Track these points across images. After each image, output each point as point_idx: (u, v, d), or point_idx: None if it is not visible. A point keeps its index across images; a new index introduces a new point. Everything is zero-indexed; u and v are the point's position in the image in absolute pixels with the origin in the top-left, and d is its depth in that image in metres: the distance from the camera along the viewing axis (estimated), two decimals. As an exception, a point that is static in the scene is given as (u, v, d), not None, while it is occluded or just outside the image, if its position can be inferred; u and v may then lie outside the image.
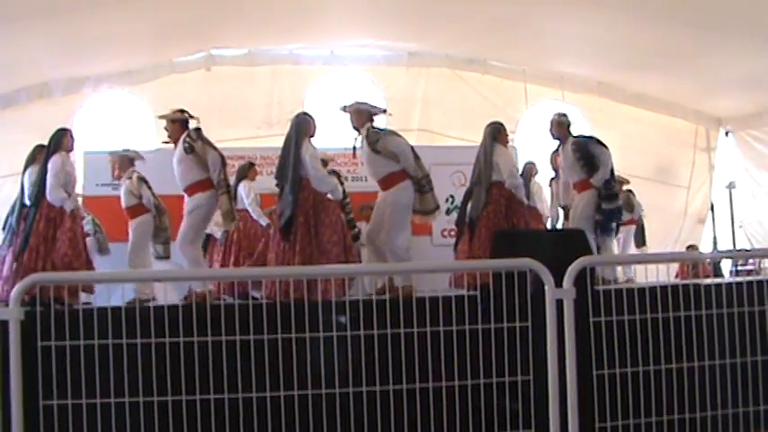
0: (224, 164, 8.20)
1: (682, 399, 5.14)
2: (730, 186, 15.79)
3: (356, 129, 8.35)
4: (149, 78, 14.82)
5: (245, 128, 14.61)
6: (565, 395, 4.25)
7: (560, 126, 9.36)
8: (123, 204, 9.71)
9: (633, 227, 13.43)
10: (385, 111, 8.78)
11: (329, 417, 4.68)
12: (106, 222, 10.96)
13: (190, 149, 8.04)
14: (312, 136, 8.28)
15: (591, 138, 9.45)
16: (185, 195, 8.18)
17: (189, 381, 4.71)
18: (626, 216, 12.97)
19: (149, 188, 9.71)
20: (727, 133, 17.53)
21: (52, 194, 8.31)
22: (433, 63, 16.25)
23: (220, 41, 14.80)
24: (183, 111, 8.33)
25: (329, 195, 8.16)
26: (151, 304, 6.35)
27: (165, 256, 9.79)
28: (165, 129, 8.32)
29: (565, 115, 9.54)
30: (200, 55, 15.10)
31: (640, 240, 13.65)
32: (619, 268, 12.18)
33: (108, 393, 4.59)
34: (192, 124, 8.31)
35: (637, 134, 16.43)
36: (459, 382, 4.74)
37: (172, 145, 8.24)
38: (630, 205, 13.20)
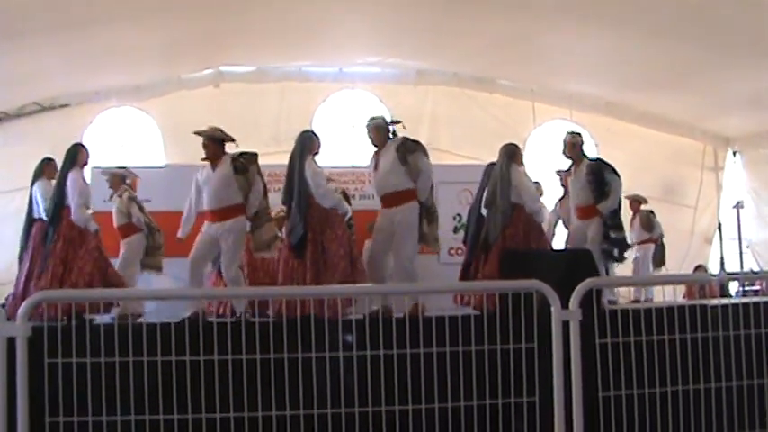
0: (266, 193, 8.36)
1: (688, 421, 5.12)
2: (738, 206, 15.75)
3: (375, 145, 8.46)
4: (158, 94, 14.86)
5: (253, 145, 14.43)
6: (570, 417, 4.24)
7: (573, 146, 9.30)
8: (114, 223, 9.70)
9: (652, 246, 13.30)
10: (400, 122, 8.87)
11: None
12: (114, 239, 10.98)
13: (242, 170, 8.11)
14: (316, 153, 8.41)
15: (606, 164, 9.34)
16: (212, 214, 8.15)
17: (195, 399, 4.71)
18: (644, 235, 13.16)
19: (140, 208, 9.71)
20: (734, 153, 17.51)
21: (77, 214, 8.32)
22: (441, 81, 16.26)
23: (229, 58, 14.83)
24: (220, 130, 8.36)
25: (337, 210, 8.21)
26: (144, 321, 6.38)
27: (157, 268, 9.90)
28: (204, 146, 8.24)
29: (578, 135, 9.50)
30: (208, 71, 15.13)
31: (660, 260, 13.48)
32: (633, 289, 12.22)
33: (114, 411, 4.60)
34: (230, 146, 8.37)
35: (644, 153, 16.39)
36: (464, 403, 4.74)
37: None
38: (650, 225, 13.25)
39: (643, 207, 13.49)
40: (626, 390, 4.81)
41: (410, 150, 8.23)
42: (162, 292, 7.50)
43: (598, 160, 9.45)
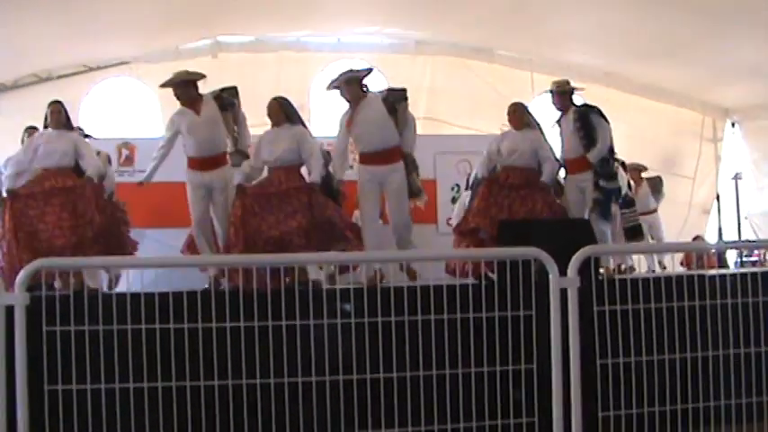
0: None
1: (685, 389, 5.15)
2: (736, 177, 15.76)
3: (349, 101, 8.10)
4: (155, 65, 14.81)
5: (252, 115, 14.52)
6: (568, 384, 4.25)
7: (562, 95, 8.80)
8: None
9: (659, 214, 12.85)
10: (371, 70, 8.59)
11: (333, 403, 4.69)
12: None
13: (230, 104, 8.06)
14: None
15: (593, 107, 8.79)
16: (203, 162, 7.89)
17: (194, 367, 4.72)
18: (653, 204, 12.68)
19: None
20: (733, 124, 17.50)
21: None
22: (440, 51, 16.24)
23: (227, 28, 14.78)
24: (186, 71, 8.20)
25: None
26: (156, 291, 6.36)
27: None
28: (176, 95, 7.99)
29: (566, 82, 8.97)
30: (206, 42, 15.08)
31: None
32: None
33: (113, 379, 4.61)
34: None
35: (643, 124, 16.37)
36: (462, 371, 4.75)
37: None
38: (659, 192, 12.89)
39: (645, 175, 13.09)
40: (623, 358, 4.83)
41: (398, 99, 8.03)
42: (167, 259, 7.32)
43: (585, 105, 8.86)
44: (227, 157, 8.01)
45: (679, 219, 16.74)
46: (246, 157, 8.16)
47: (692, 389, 5.14)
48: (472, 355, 4.76)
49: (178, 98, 7.97)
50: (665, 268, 11.21)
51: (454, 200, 11.89)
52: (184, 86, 7.92)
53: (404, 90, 8.20)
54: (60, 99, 8.61)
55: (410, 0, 13.58)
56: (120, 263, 7.07)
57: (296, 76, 15.29)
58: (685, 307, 4.97)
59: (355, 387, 4.74)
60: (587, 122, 8.56)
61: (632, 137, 15.50)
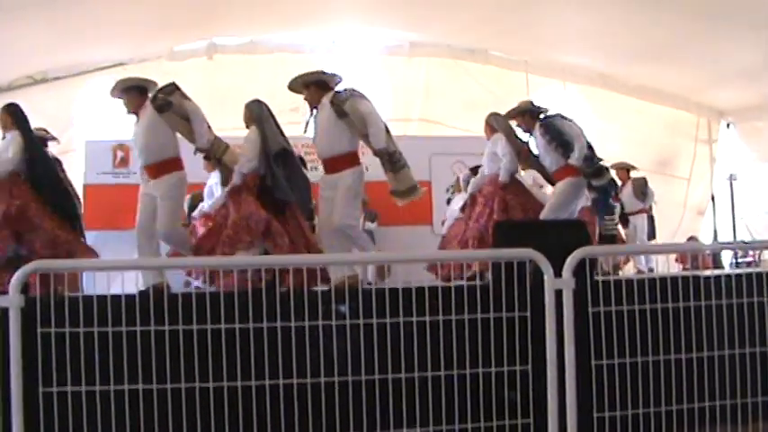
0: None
1: (680, 390, 5.15)
2: (731, 178, 15.78)
3: (314, 107, 7.70)
4: (150, 66, 14.79)
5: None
6: (563, 385, 4.25)
7: (523, 116, 8.83)
8: None
9: (645, 216, 12.86)
10: (340, 78, 7.88)
11: (328, 405, 4.69)
12: (107, 211, 10.92)
13: (166, 105, 7.34)
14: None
15: (555, 115, 8.77)
16: (147, 170, 7.48)
17: (188, 369, 4.72)
18: (637, 205, 12.72)
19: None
20: (728, 125, 17.54)
21: None
22: (435, 53, 16.28)
23: (222, 29, 14.78)
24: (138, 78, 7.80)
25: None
26: (150, 292, 6.34)
27: None
28: (125, 103, 7.58)
29: (528, 103, 9.03)
30: (201, 43, 15.08)
31: (650, 232, 13.05)
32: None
33: (107, 380, 4.60)
34: None
35: (638, 126, 16.44)
36: (457, 372, 4.75)
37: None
38: (644, 193, 12.78)
39: (634, 174, 13.07)
40: (619, 359, 4.83)
41: (343, 99, 7.39)
42: (161, 261, 7.28)
43: (546, 117, 8.76)
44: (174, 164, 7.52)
45: (674, 220, 16.79)
46: (207, 155, 8.09)
47: (687, 390, 5.14)
48: (467, 356, 4.76)
49: (126, 106, 7.65)
50: (651, 270, 11.20)
51: (449, 201, 11.92)
52: (127, 94, 7.59)
53: (350, 89, 7.60)
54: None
55: (405, 1, 13.59)
56: (115, 264, 7.06)
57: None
58: (680, 308, 4.98)
59: (350, 389, 4.74)
60: (555, 131, 8.52)
61: (627, 138, 15.58)
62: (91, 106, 14.86)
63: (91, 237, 10.58)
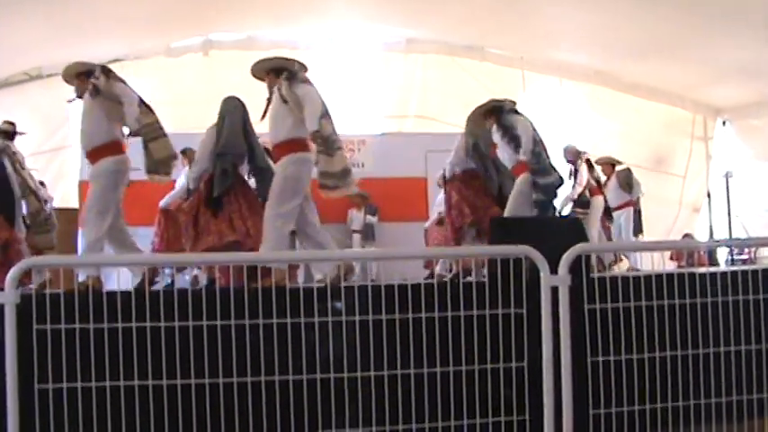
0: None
1: (676, 386, 5.16)
2: (727, 176, 15.80)
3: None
4: (146, 63, 14.79)
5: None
6: (559, 382, 4.26)
7: (487, 115, 8.80)
8: None
9: (631, 210, 12.41)
10: (305, 67, 7.70)
11: (324, 401, 4.69)
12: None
13: (97, 90, 7.18)
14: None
15: (506, 108, 8.70)
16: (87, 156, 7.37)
17: (184, 365, 4.71)
18: (624, 197, 12.36)
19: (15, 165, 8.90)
20: (724, 122, 17.56)
21: None
22: (431, 49, 16.26)
23: (218, 26, 14.76)
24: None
25: None
26: (147, 289, 6.33)
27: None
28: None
29: (493, 100, 8.90)
30: (197, 39, 15.05)
31: (637, 227, 12.60)
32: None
33: (103, 377, 4.60)
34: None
35: (634, 123, 16.45)
36: (453, 368, 4.75)
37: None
38: (629, 185, 12.41)
39: (620, 168, 12.69)
40: (614, 355, 4.84)
41: (282, 84, 7.21)
42: (156, 258, 7.28)
43: (500, 111, 8.71)
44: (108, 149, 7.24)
45: (670, 217, 16.82)
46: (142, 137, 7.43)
47: (683, 386, 5.15)
48: (463, 353, 4.76)
49: (75, 92, 7.52)
50: (637, 270, 11.16)
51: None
52: (76, 80, 7.46)
53: (291, 69, 7.38)
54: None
55: (401, -2, 13.62)
56: (111, 261, 7.07)
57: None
58: (676, 305, 4.98)
59: (346, 385, 4.74)
60: (506, 126, 8.50)
61: (623, 135, 15.59)
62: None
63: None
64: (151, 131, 7.28)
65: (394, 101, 16.29)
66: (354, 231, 12.70)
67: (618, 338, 4.85)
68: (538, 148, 8.32)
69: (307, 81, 7.29)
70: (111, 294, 4.93)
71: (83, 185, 11.23)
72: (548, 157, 8.52)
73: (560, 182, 8.64)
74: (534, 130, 8.40)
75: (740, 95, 16.31)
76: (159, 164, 7.27)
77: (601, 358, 4.80)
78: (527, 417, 4.72)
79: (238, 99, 8.07)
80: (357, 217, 12.69)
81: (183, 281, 9.36)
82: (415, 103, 16.18)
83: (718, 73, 15.07)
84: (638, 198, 12.63)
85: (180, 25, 14.12)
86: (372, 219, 12.61)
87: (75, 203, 12.02)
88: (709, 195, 17.16)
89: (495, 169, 8.75)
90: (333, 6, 14.14)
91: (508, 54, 16.21)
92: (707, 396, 5.02)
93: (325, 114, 7.04)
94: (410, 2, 13.71)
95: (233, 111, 8.00)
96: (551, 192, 8.45)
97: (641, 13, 12.58)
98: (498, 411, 4.82)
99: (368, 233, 12.61)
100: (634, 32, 13.50)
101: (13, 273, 3.98)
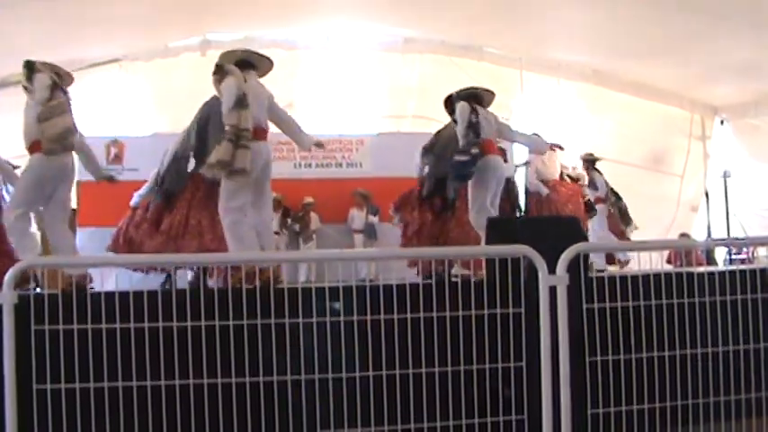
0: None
1: (674, 386, 5.16)
2: (725, 175, 15.81)
3: None
4: (144, 62, 14.78)
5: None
6: (558, 382, 4.26)
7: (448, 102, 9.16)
8: None
9: (603, 206, 12.21)
10: (269, 60, 8.01)
11: (322, 402, 4.69)
12: (101, 208, 10.87)
13: (26, 88, 7.47)
14: None
15: (452, 95, 9.29)
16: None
17: (182, 366, 4.71)
18: (592, 194, 12.24)
19: None
20: (722, 122, 17.55)
21: None
22: (429, 49, 16.22)
23: (216, 25, 14.74)
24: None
25: None
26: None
27: None
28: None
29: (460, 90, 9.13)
30: (195, 39, 15.03)
31: (625, 219, 12.51)
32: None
33: (101, 378, 4.59)
34: None
35: (632, 122, 16.43)
36: (452, 368, 4.75)
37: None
38: (592, 183, 12.35)
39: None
40: (613, 355, 4.84)
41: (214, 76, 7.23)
42: (155, 258, 7.28)
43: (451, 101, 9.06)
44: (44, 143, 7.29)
45: (667, 216, 16.81)
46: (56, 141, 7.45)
47: (682, 386, 5.15)
48: (462, 352, 4.76)
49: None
50: (622, 268, 11.13)
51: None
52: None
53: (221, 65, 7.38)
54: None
55: (399, -2, 13.61)
56: (108, 261, 7.06)
57: (284, 73, 15.25)
58: (674, 304, 4.99)
59: (345, 385, 4.74)
60: (453, 112, 8.96)
61: (621, 134, 15.58)
62: (84, 103, 14.80)
63: (85, 233, 10.62)
64: (44, 113, 7.41)
65: (392, 101, 16.27)
66: (355, 231, 12.69)
67: (616, 338, 4.85)
68: (467, 131, 8.51)
69: (233, 73, 7.25)
70: (110, 295, 4.92)
71: (81, 185, 11.21)
72: (477, 137, 8.53)
73: (471, 164, 8.49)
74: (474, 112, 8.70)
75: (738, 95, 16.31)
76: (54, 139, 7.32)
77: (599, 358, 4.80)
78: (525, 416, 4.72)
79: (209, 104, 8.04)
80: (358, 216, 12.67)
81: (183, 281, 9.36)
82: (413, 103, 16.14)
83: (716, 72, 15.07)
84: (607, 193, 12.48)
85: (177, 25, 14.11)
86: (374, 219, 12.60)
87: (74, 203, 12.00)
88: (707, 195, 17.17)
89: None
90: (330, 6, 14.13)
91: (506, 54, 16.18)
92: (706, 396, 5.03)
93: (242, 106, 7.06)
94: (408, 2, 13.70)
95: (202, 116, 8.08)
96: (459, 170, 8.42)
97: (639, 13, 12.58)
98: (497, 411, 4.82)
99: (370, 233, 12.59)
100: (632, 32, 13.50)
101: (11, 273, 3.97)
